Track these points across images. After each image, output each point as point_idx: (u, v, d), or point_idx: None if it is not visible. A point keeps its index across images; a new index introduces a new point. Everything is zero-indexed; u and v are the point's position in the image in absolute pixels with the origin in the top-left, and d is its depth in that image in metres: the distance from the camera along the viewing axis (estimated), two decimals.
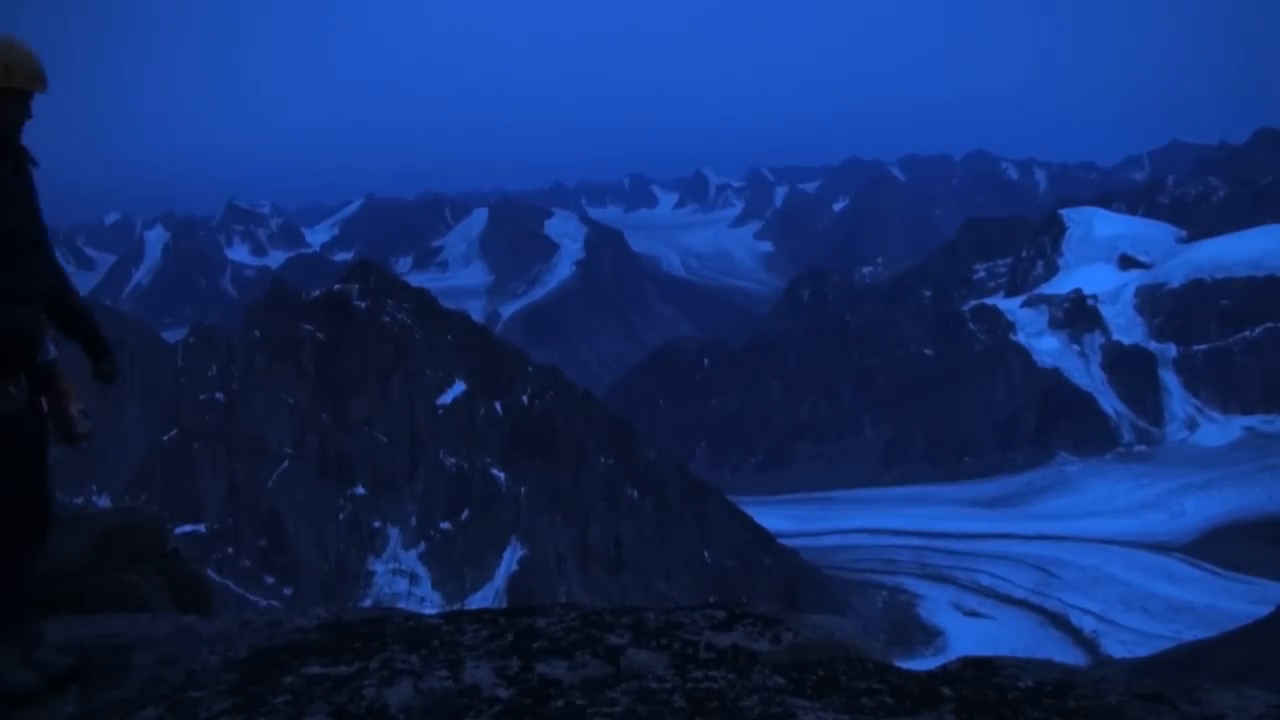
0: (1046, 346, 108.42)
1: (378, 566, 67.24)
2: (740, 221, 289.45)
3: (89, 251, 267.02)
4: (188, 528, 65.82)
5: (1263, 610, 56.63)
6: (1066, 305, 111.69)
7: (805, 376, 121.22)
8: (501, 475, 71.29)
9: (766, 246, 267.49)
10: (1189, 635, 62.73)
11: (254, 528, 67.51)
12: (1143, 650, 61.50)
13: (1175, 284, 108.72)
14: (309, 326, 76.18)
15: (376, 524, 68.99)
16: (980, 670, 3.48)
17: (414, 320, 76.96)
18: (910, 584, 79.77)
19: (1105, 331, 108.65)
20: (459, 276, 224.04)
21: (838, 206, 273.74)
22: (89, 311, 3.75)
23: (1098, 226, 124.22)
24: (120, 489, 76.51)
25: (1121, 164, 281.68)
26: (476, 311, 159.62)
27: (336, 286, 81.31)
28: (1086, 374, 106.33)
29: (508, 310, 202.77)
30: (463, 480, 70.78)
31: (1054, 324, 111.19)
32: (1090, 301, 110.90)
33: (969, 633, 68.49)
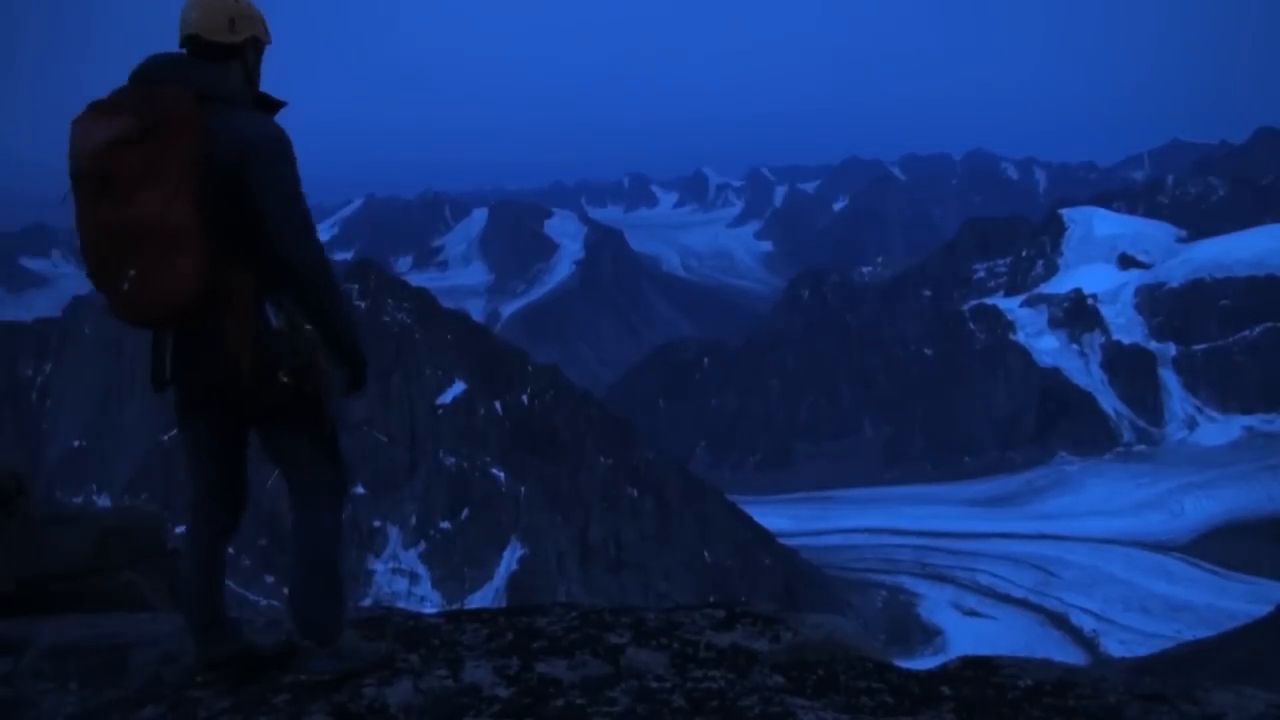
0: (1046, 346, 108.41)
1: (378, 566, 67.25)
2: (740, 221, 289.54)
3: None
4: None
5: (1263, 610, 56.60)
6: (1066, 305, 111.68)
7: (805, 376, 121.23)
8: (501, 475, 71.30)
9: (766, 246, 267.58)
10: (1189, 635, 62.72)
11: (254, 527, 67.43)
12: (1142, 650, 61.50)
13: (1175, 284, 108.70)
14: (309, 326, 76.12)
15: (376, 524, 69.00)
16: (980, 670, 3.48)
17: (414, 320, 76.99)
18: (910, 584, 79.76)
19: (1105, 331, 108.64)
20: (459, 276, 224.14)
21: (838, 206, 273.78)
22: None
23: (1098, 226, 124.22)
24: (120, 489, 76.54)
25: (1121, 164, 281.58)
26: (476, 311, 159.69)
27: None
28: (1086, 374, 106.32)
29: (508, 310, 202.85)
30: (463, 480, 70.79)
31: (1054, 324, 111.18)
32: (1090, 301, 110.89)
33: (969, 632, 68.46)
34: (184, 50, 3.13)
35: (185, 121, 2.87)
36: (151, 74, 3.01)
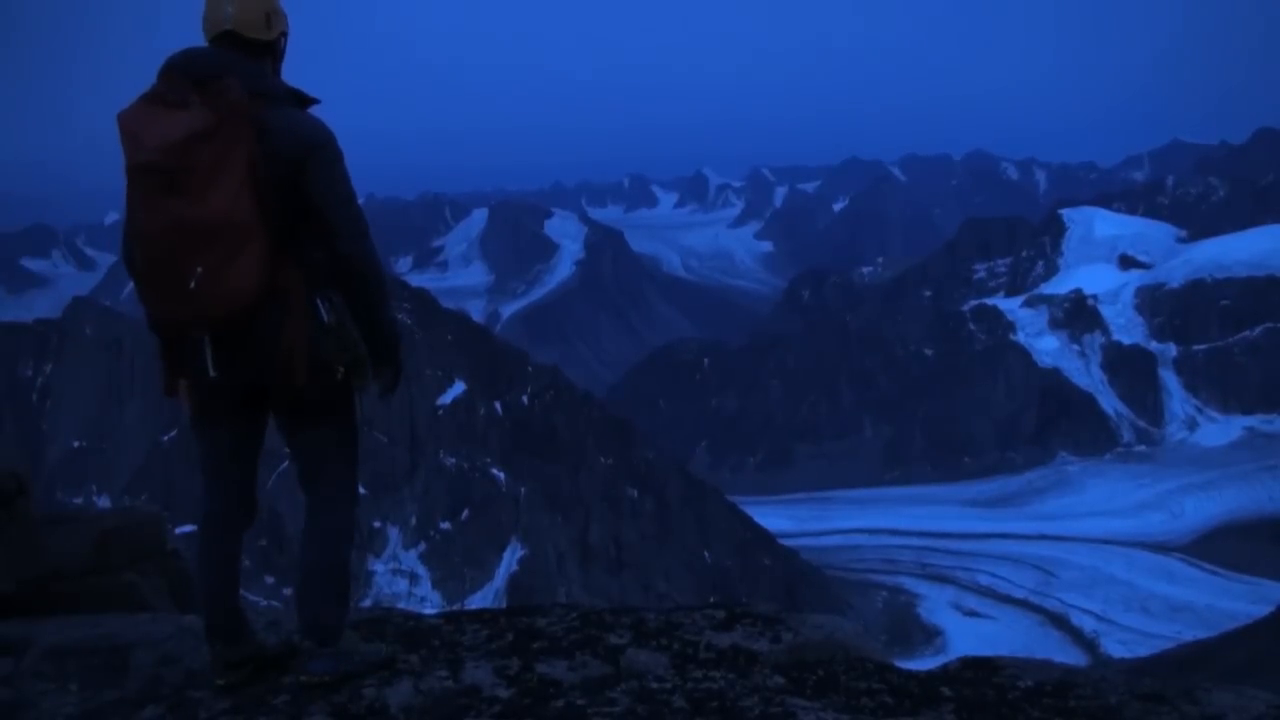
0: (1046, 346, 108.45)
1: (378, 566, 67.22)
2: (740, 221, 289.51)
3: (89, 251, 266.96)
4: (188, 528, 65.69)
5: (1263, 610, 56.56)
6: (1066, 305, 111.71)
7: (805, 376, 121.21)
8: (501, 475, 71.30)
9: (766, 246, 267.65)
10: (1189, 635, 62.69)
11: (254, 528, 67.32)
12: (1143, 650, 61.48)
13: (1175, 284, 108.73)
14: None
15: (376, 524, 68.96)
16: (980, 670, 3.48)
17: (414, 320, 76.95)
18: (910, 584, 79.79)
19: (1105, 331, 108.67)
20: (459, 276, 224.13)
21: (838, 206, 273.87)
22: None
23: (1098, 226, 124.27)
24: (120, 489, 76.50)
25: (1121, 164, 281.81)
26: (476, 311, 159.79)
27: None
28: (1086, 374, 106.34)
29: (508, 310, 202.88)
30: (463, 480, 70.78)
31: (1054, 324, 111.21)
32: (1090, 301, 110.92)
33: (969, 633, 68.51)
34: (212, 46, 3.05)
35: (246, 117, 2.86)
36: (199, 68, 2.92)
